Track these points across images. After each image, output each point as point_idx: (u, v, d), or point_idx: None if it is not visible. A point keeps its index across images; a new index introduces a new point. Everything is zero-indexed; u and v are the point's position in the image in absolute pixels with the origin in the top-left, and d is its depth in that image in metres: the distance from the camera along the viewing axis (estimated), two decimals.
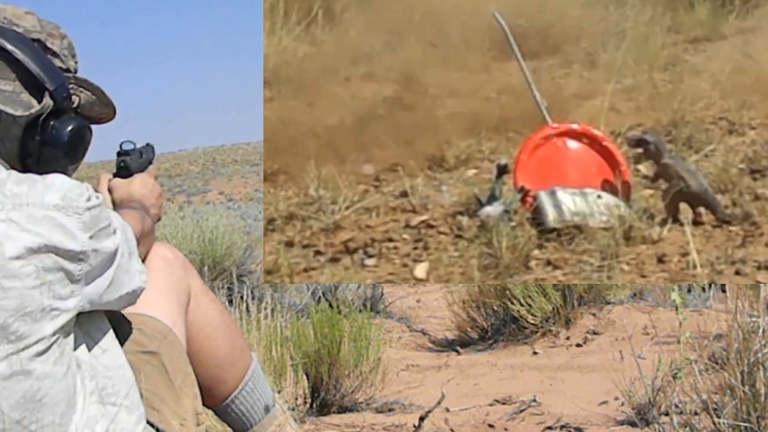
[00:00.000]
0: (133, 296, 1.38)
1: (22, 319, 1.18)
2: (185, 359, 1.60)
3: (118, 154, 1.74)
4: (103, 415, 1.29)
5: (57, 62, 1.42)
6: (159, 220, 1.76)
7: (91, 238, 1.24)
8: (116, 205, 1.68)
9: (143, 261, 1.56)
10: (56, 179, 1.26)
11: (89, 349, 1.32)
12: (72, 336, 1.27)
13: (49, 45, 1.41)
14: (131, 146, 1.76)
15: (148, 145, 1.81)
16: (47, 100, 1.36)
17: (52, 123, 1.38)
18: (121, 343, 1.47)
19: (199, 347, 1.70)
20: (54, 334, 1.22)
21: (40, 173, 1.29)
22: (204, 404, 1.68)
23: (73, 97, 1.44)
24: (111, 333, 1.38)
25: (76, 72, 1.48)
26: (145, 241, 1.58)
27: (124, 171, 1.73)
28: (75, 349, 1.29)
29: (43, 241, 1.19)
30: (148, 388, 1.46)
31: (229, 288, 4.53)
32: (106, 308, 1.35)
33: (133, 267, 1.37)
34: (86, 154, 1.47)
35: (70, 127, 1.40)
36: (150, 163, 1.81)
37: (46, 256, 1.20)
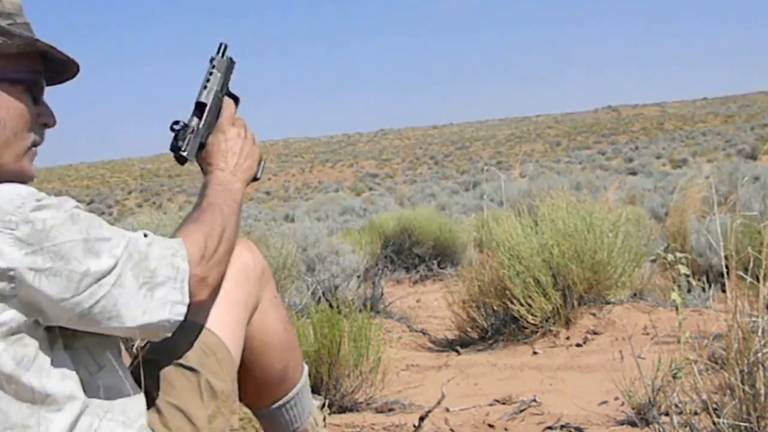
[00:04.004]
0: (150, 329, 1.28)
1: None
2: (232, 378, 1.51)
3: (171, 148, 1.53)
4: (96, 429, 1.27)
5: None
6: (257, 179, 1.60)
7: (29, 253, 1.16)
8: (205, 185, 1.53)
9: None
10: None
11: (86, 365, 1.29)
12: (39, 349, 1.21)
13: None
14: (179, 126, 1.53)
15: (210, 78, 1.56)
16: None
17: None
18: (159, 348, 1.43)
19: (252, 360, 1.62)
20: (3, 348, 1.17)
21: None
22: (240, 399, 1.59)
23: None
24: (113, 351, 1.35)
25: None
26: (221, 249, 1.42)
27: (180, 160, 1.53)
28: (73, 367, 1.27)
29: None
30: (175, 402, 1.41)
31: None
32: (102, 331, 1.27)
33: (139, 299, 1.26)
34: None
35: None
36: (218, 113, 1.56)
37: None
